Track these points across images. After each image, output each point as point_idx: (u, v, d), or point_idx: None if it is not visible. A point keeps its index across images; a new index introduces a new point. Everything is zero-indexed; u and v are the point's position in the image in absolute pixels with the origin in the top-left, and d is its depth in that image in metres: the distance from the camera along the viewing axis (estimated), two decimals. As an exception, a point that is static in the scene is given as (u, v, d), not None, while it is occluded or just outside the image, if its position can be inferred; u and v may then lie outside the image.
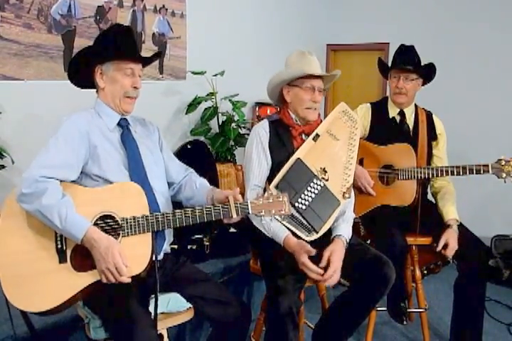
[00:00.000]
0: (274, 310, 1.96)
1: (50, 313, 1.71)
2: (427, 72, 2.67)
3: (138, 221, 1.75)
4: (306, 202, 2.13)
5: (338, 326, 2.21)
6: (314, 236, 2.14)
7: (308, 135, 2.25)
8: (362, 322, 2.22)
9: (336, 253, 2.03)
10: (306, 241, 2.06)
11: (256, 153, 2.21)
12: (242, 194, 2.34)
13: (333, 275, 1.99)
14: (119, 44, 1.87)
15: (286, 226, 2.10)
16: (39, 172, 1.69)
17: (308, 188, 2.15)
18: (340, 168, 2.26)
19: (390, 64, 2.74)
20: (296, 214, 2.12)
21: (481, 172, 2.44)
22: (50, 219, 1.65)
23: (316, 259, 2.00)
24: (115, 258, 1.65)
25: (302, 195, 2.13)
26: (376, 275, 2.07)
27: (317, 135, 2.23)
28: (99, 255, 1.66)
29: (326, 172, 2.20)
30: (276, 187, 2.09)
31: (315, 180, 2.17)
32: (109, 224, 1.76)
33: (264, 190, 2.12)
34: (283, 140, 2.23)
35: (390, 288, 2.08)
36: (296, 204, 2.10)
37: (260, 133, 2.23)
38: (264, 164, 2.20)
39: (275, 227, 2.09)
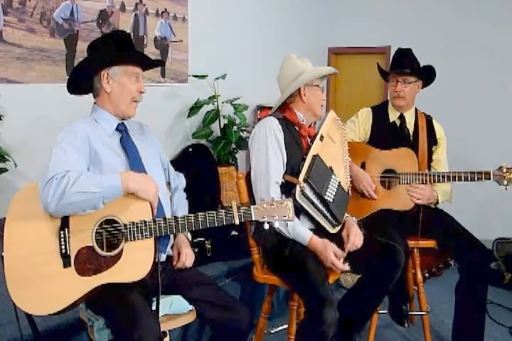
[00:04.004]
0: (319, 323, 1.89)
1: (53, 314, 1.72)
2: (425, 74, 2.68)
3: (141, 226, 1.75)
4: (332, 195, 2.18)
5: (353, 314, 2.29)
6: (337, 229, 2.23)
7: (310, 137, 2.29)
8: (376, 308, 2.37)
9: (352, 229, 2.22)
10: (329, 235, 2.18)
11: (272, 149, 2.17)
12: (243, 204, 2.32)
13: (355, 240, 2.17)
14: (126, 48, 1.90)
15: (314, 219, 2.16)
16: (53, 174, 1.67)
17: (330, 182, 2.20)
18: (342, 168, 2.34)
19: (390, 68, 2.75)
20: (322, 208, 2.15)
21: (483, 179, 2.46)
22: (87, 190, 1.64)
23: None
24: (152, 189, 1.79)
25: (328, 189, 2.17)
26: (387, 261, 2.15)
27: (322, 136, 2.27)
28: (144, 194, 1.77)
29: (333, 170, 2.25)
30: (305, 180, 2.09)
31: (333, 176, 2.23)
32: (112, 229, 1.77)
33: (287, 185, 2.13)
34: (295, 138, 2.25)
35: (399, 273, 2.19)
36: (326, 197, 2.14)
37: (274, 129, 2.19)
38: (281, 160, 2.18)
39: (299, 229, 2.13)
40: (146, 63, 2.00)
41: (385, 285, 2.21)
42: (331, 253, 2.06)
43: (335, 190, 2.21)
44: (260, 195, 2.15)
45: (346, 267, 2.07)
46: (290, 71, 2.30)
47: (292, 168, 2.17)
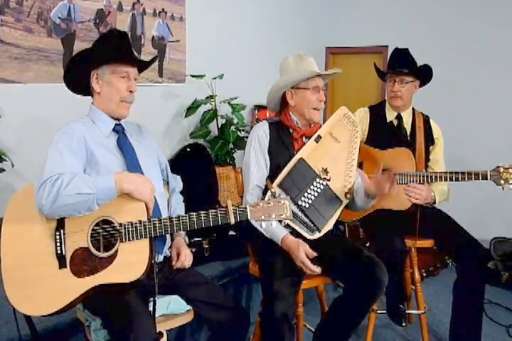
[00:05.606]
0: (269, 315, 1.95)
1: (50, 315, 1.71)
2: (422, 74, 2.68)
3: (136, 226, 1.75)
4: (309, 201, 2.16)
5: (337, 328, 2.20)
6: (317, 235, 2.17)
7: (308, 137, 2.28)
8: (360, 323, 2.19)
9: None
10: (308, 240, 2.11)
11: (254, 154, 2.24)
12: (239, 203, 2.35)
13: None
14: (115, 47, 1.87)
15: (289, 225, 2.12)
16: (48, 176, 1.67)
17: (311, 187, 2.18)
18: (342, 169, 2.30)
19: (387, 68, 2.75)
20: (299, 213, 2.15)
21: (480, 178, 2.46)
22: (81, 192, 1.63)
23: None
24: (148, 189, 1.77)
25: (305, 194, 2.16)
26: (368, 279, 2.06)
27: (319, 136, 2.27)
28: (139, 194, 1.74)
29: (327, 172, 2.24)
30: (280, 185, 2.11)
31: (318, 180, 2.20)
32: (108, 229, 1.76)
33: (266, 190, 2.14)
34: (284, 142, 2.26)
35: (383, 290, 2.08)
36: (300, 203, 2.13)
37: (259, 135, 2.26)
38: (263, 164, 2.23)
39: (274, 227, 2.06)
40: (133, 60, 1.95)
41: (365, 302, 2.11)
42: (301, 252, 2.03)
43: (315, 194, 2.18)
44: (243, 199, 2.21)
45: (317, 269, 2.02)
46: (282, 72, 2.32)
47: (275, 172, 2.20)
